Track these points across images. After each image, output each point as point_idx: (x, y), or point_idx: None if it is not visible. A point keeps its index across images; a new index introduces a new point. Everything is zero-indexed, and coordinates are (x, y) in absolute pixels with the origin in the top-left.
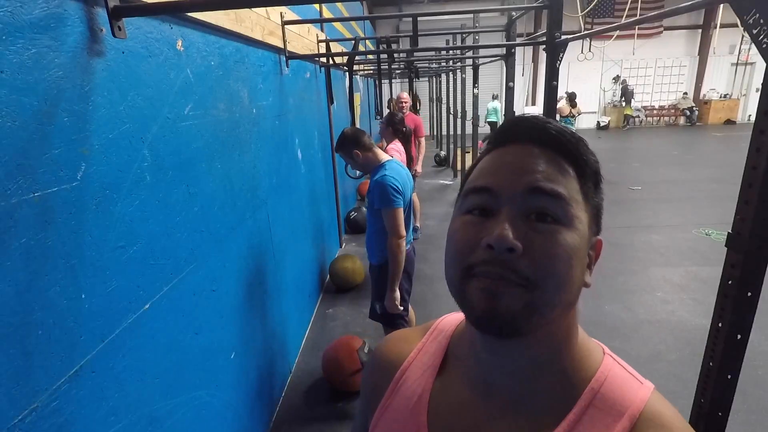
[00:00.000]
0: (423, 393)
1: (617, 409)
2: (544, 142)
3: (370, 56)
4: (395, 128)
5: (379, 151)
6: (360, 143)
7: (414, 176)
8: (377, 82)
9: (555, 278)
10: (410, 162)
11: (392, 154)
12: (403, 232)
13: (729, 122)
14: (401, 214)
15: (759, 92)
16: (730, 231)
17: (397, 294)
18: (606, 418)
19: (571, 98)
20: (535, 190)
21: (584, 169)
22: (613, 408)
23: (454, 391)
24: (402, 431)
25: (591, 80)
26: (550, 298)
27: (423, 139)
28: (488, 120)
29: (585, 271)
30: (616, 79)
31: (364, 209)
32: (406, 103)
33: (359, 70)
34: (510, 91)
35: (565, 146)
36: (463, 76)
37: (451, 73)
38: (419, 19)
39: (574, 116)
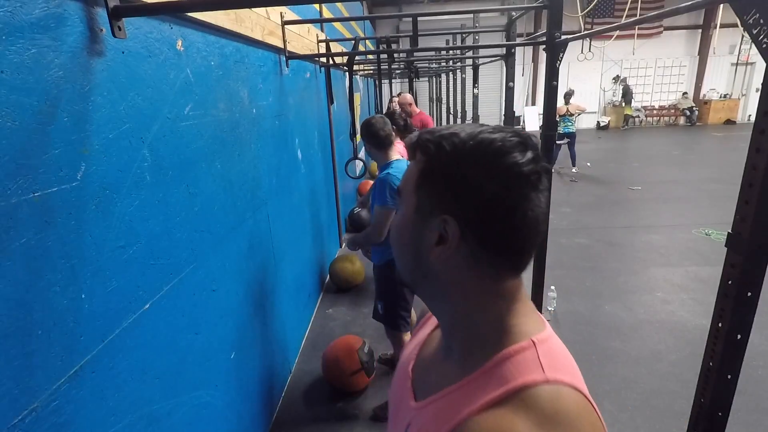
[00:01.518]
0: (415, 348)
1: (502, 381)
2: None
3: (370, 56)
4: (396, 124)
5: (393, 150)
6: (374, 137)
7: None
8: (377, 82)
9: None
10: None
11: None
12: (384, 234)
13: (729, 122)
14: (389, 217)
15: (759, 92)
16: (730, 231)
17: (355, 249)
18: (490, 383)
19: (565, 96)
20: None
21: (429, 167)
22: (501, 379)
23: (429, 346)
24: (399, 372)
25: (591, 80)
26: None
27: None
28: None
29: (430, 248)
30: (616, 79)
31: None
32: (410, 105)
33: (359, 70)
34: (510, 91)
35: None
36: (463, 76)
37: (451, 73)
38: (419, 19)
39: (572, 114)
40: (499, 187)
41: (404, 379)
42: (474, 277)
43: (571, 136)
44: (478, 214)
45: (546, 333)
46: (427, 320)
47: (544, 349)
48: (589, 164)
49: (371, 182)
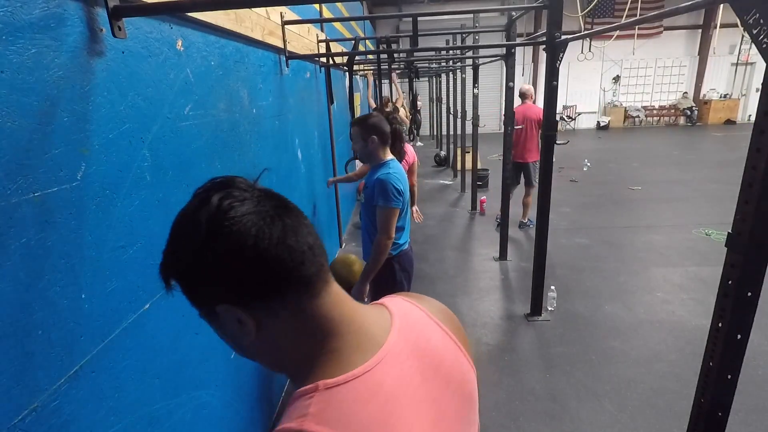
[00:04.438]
0: None
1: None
2: None
3: (370, 56)
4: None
5: (387, 150)
6: (383, 134)
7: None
8: (377, 82)
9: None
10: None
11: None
12: (393, 233)
13: (729, 122)
14: (396, 214)
15: (759, 92)
16: (730, 231)
17: (366, 288)
18: None
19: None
20: None
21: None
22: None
23: None
24: None
25: (591, 80)
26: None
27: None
28: None
29: (243, 337)
30: (616, 79)
31: None
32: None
33: (359, 70)
34: (510, 91)
35: None
36: (463, 76)
37: (451, 73)
38: (419, 19)
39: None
40: (230, 252)
41: None
42: (281, 329)
43: None
44: (241, 287)
45: (353, 373)
46: None
47: (328, 395)
48: (588, 164)
49: None
